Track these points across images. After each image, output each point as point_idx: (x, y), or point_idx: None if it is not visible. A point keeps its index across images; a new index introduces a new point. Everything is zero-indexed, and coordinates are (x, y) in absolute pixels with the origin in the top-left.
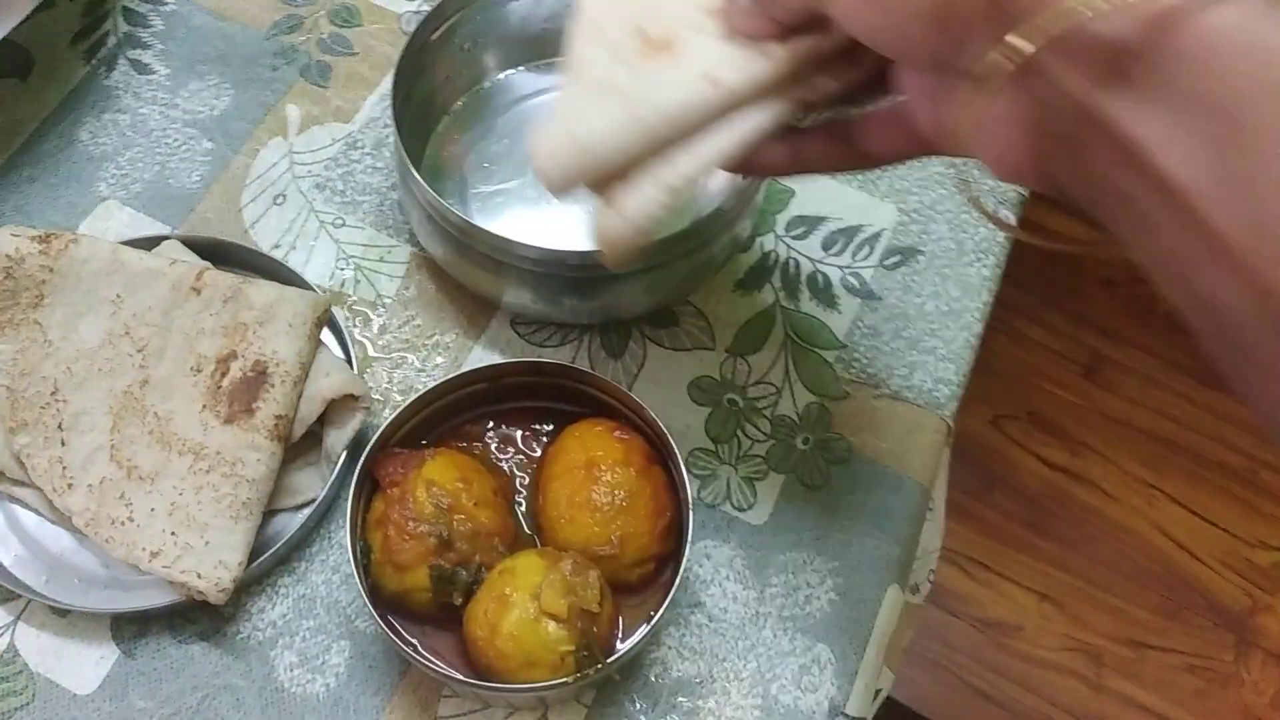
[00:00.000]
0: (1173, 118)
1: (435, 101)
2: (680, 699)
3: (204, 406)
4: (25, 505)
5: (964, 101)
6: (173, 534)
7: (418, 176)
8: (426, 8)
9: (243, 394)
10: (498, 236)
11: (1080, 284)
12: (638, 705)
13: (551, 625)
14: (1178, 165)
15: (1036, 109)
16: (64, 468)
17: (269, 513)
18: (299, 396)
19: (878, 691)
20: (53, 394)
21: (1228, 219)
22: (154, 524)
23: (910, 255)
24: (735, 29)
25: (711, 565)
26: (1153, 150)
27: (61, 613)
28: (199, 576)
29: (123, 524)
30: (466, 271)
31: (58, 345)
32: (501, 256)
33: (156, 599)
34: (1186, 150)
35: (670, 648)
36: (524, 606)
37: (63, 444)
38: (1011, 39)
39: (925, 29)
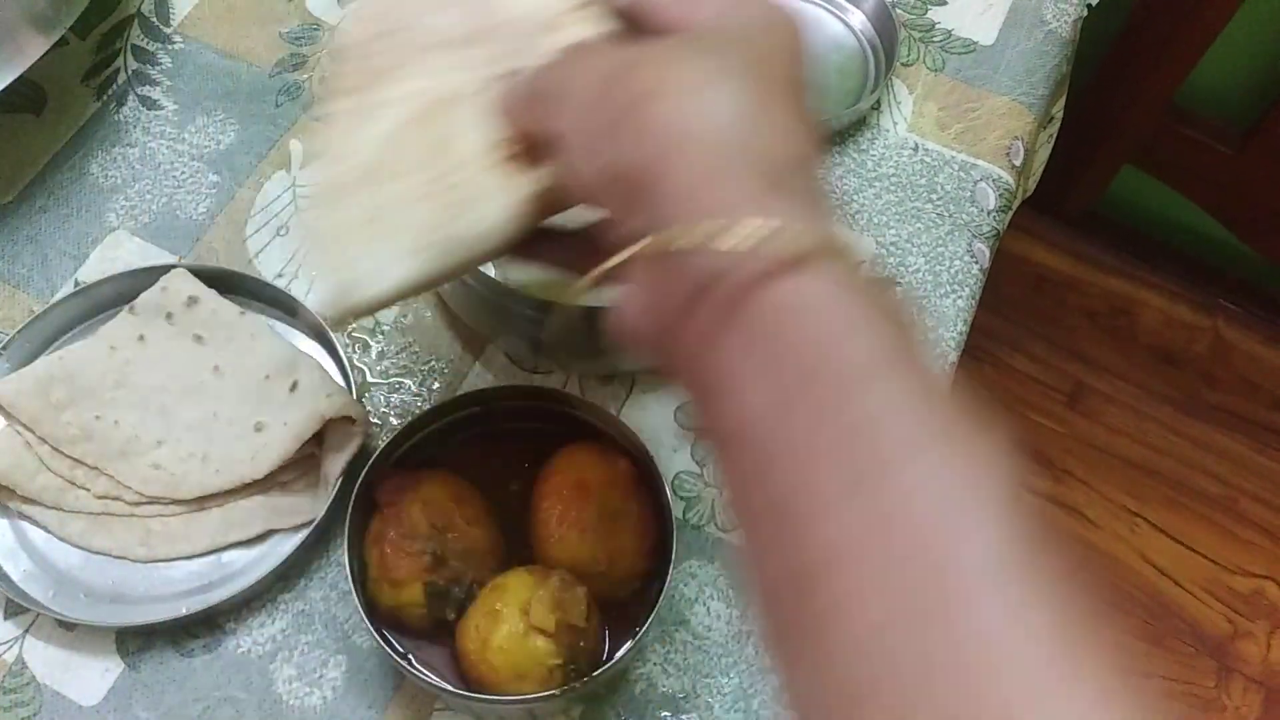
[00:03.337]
0: (752, 361)
1: None
2: (665, 713)
3: (498, 143)
4: (34, 523)
5: (624, 275)
6: (350, 229)
7: None
8: None
9: (542, 145)
10: (498, 283)
11: (1063, 314)
12: (623, 719)
13: (540, 640)
14: (746, 405)
15: (658, 314)
16: (341, 151)
17: (269, 532)
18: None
19: None
20: (393, 62)
21: (770, 450)
22: (351, 212)
23: (887, 287)
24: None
25: (696, 584)
26: (730, 386)
27: (68, 626)
28: (335, 273)
29: (339, 248)
30: (474, 315)
31: (416, 19)
32: (506, 302)
33: (160, 614)
34: (758, 392)
35: (656, 664)
36: (514, 621)
37: (365, 123)
38: (634, 243)
39: (602, 180)
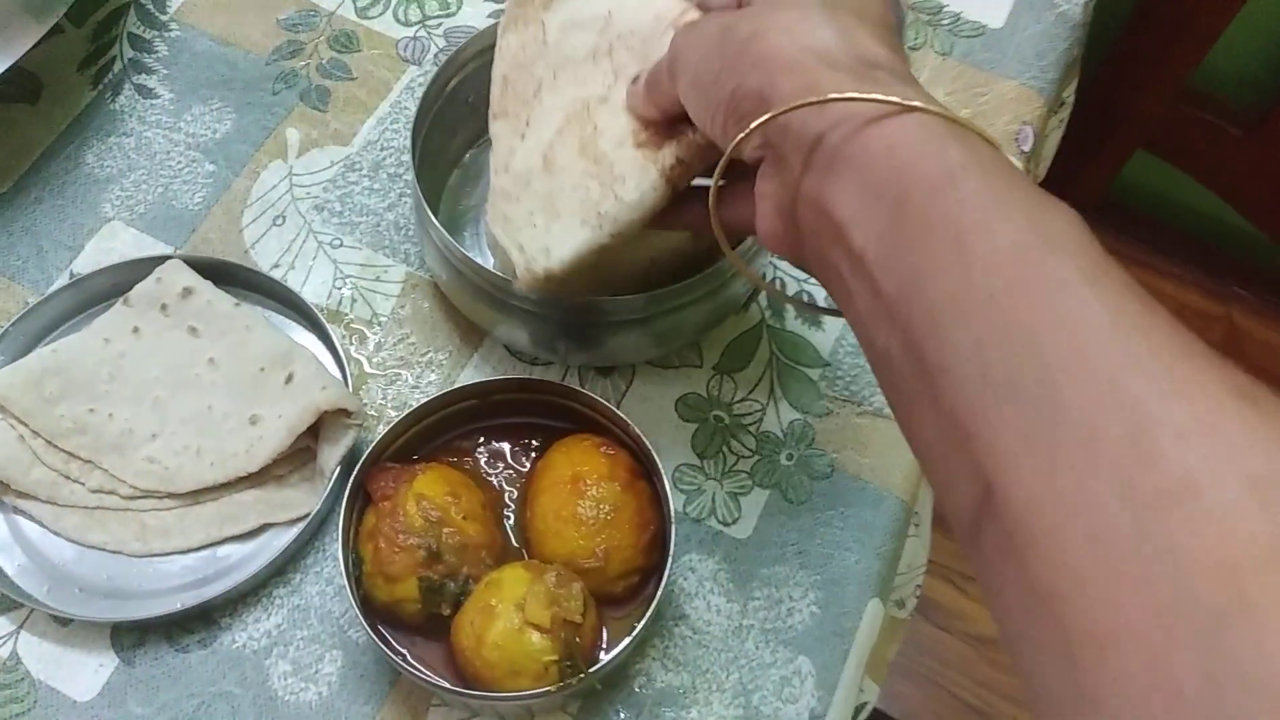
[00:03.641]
0: (861, 200)
1: (445, 155)
2: (664, 709)
3: (633, 131)
4: (29, 517)
5: (756, 190)
6: (532, 214)
7: (437, 224)
8: (424, 34)
9: (666, 126)
10: (497, 275)
11: None
12: (622, 715)
13: (535, 636)
14: (862, 237)
15: (785, 195)
16: (511, 153)
17: (264, 527)
18: (702, 158)
19: (862, 705)
20: (534, 93)
21: (888, 279)
22: (531, 201)
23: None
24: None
25: (696, 578)
26: (845, 224)
27: (63, 622)
28: (520, 250)
29: (516, 199)
30: (472, 307)
31: (551, 48)
32: (505, 297)
33: (155, 609)
34: (867, 225)
35: (655, 659)
36: (509, 617)
37: (522, 137)
38: (753, 124)
39: (722, 116)
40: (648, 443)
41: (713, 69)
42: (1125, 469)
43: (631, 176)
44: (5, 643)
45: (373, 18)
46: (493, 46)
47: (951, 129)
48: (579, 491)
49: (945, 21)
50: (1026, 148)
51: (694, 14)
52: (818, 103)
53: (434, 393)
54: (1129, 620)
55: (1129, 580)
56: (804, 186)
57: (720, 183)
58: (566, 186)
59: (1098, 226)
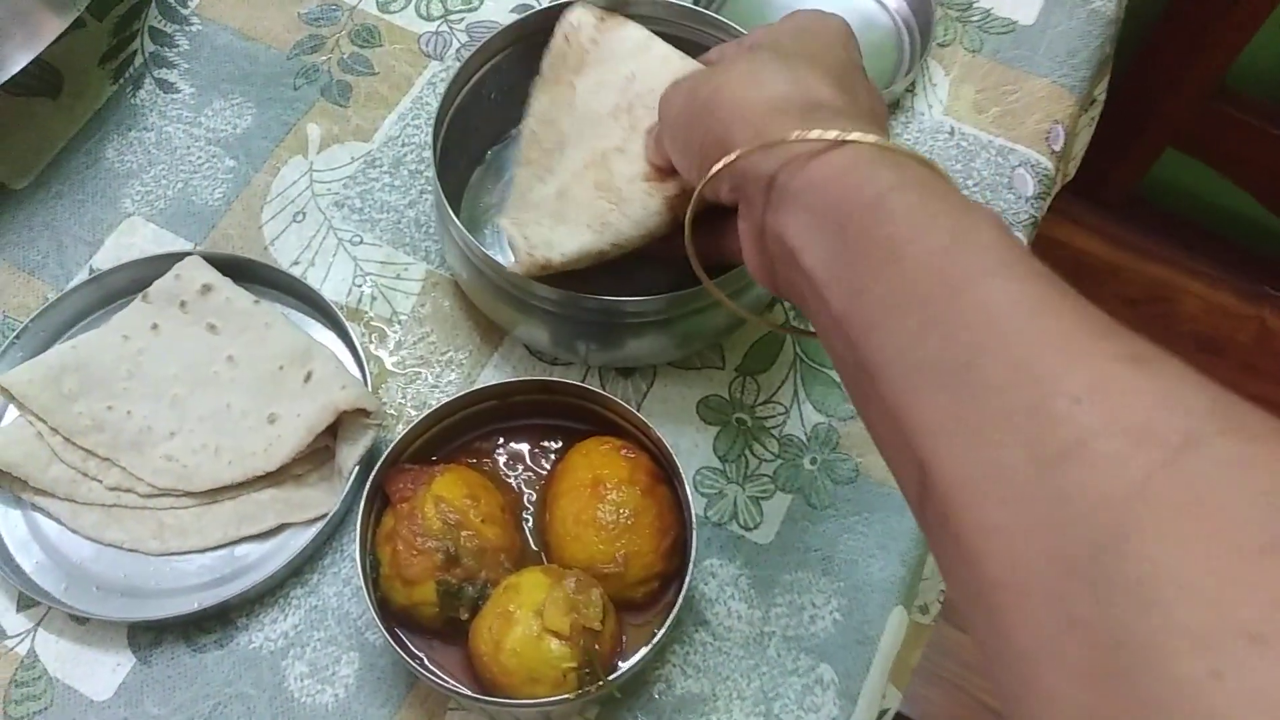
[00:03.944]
0: (809, 228)
1: (467, 151)
2: (684, 716)
3: (643, 172)
4: (47, 514)
5: (738, 227)
6: (540, 219)
7: (458, 222)
8: (445, 29)
9: (671, 170)
10: (518, 275)
11: (1102, 301)
12: None
13: (554, 642)
14: (812, 259)
15: (755, 230)
16: (529, 191)
17: (282, 526)
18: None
19: (884, 711)
20: (557, 144)
21: (836, 293)
22: (542, 211)
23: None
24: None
25: (717, 584)
26: (799, 250)
27: (80, 620)
28: (525, 239)
29: (524, 222)
30: (492, 306)
31: (577, 106)
32: (525, 297)
33: (173, 608)
34: (816, 249)
35: (675, 665)
36: (527, 623)
37: (542, 180)
38: (713, 169)
39: (695, 164)
40: (668, 446)
41: (685, 123)
42: (1030, 434)
43: (638, 200)
44: (23, 640)
45: (394, 12)
46: (516, 41)
47: (883, 155)
48: (599, 495)
49: (975, 18)
50: (1057, 146)
51: None
52: (765, 146)
53: (454, 392)
54: (1032, 566)
55: (1033, 530)
56: (767, 221)
57: (692, 216)
58: (577, 204)
59: (1128, 224)
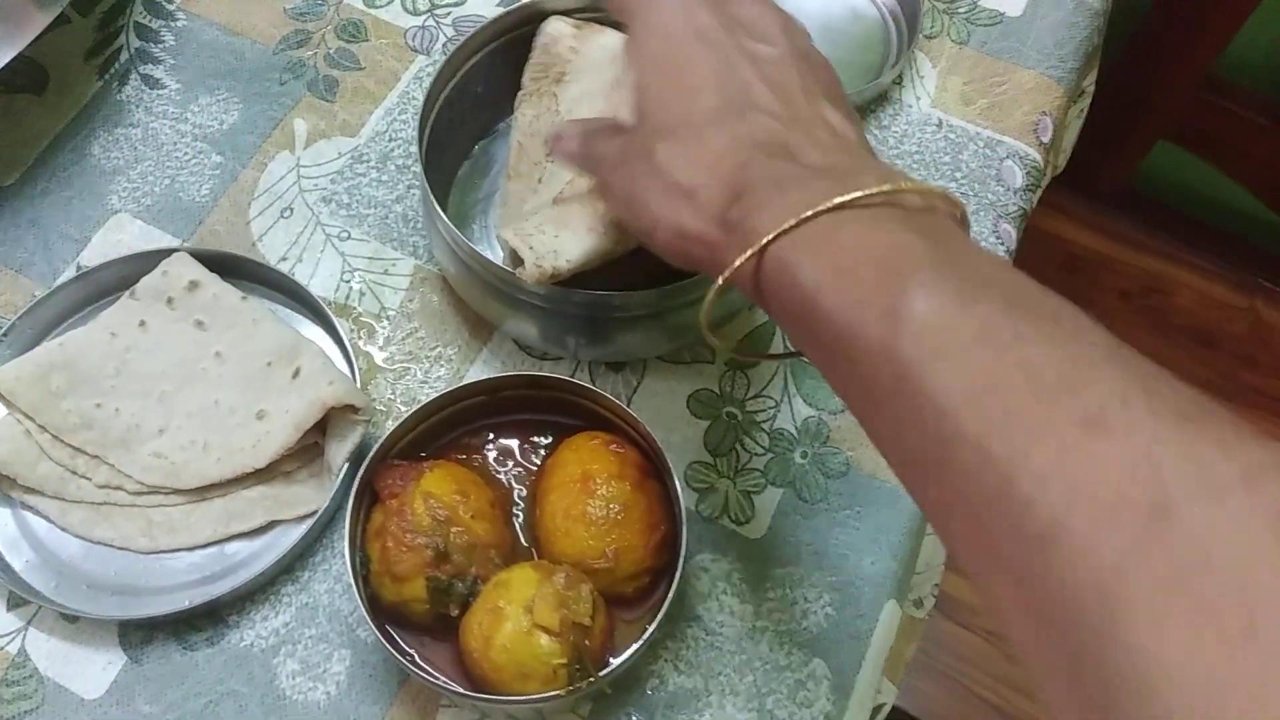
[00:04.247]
0: (812, 266)
1: (454, 146)
2: (676, 712)
3: None
4: (36, 512)
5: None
6: (541, 226)
7: (445, 218)
8: (432, 23)
9: None
10: (506, 270)
11: (1095, 294)
12: (634, 718)
13: (544, 638)
14: (814, 287)
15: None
16: (523, 203)
17: (272, 523)
18: None
19: (881, 705)
20: (546, 154)
21: (833, 307)
22: (541, 218)
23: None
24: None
25: (709, 579)
26: (808, 285)
27: (71, 619)
28: (531, 249)
29: (528, 233)
30: (481, 301)
31: (562, 115)
32: (514, 292)
33: (163, 606)
34: (815, 277)
35: (667, 661)
36: (517, 619)
37: (534, 192)
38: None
39: (679, 255)
40: (658, 441)
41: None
42: (1010, 518)
43: None
44: (13, 639)
45: (380, 7)
46: (502, 35)
47: (802, 234)
48: (589, 490)
49: (962, 9)
50: (1045, 138)
51: None
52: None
53: (443, 387)
54: (1043, 655)
55: (1039, 616)
56: (763, 284)
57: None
58: (576, 208)
59: (1120, 217)
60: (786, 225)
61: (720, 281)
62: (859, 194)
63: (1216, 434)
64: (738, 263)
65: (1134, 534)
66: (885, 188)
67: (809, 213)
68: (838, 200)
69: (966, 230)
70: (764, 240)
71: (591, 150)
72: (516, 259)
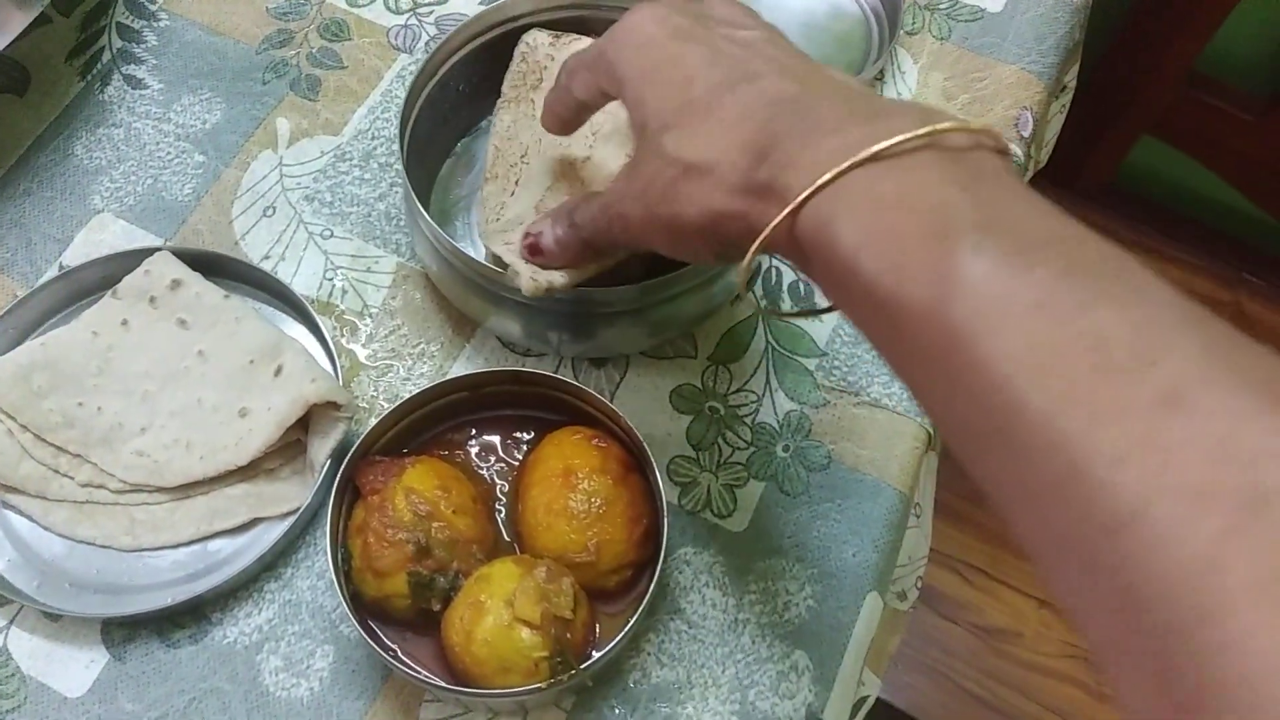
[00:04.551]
0: (851, 226)
1: (436, 144)
2: (659, 704)
3: (615, 171)
4: (18, 512)
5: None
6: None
7: (426, 216)
8: (415, 22)
9: None
10: (488, 267)
11: None
12: (617, 711)
13: (525, 631)
14: (854, 249)
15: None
16: (502, 207)
17: (255, 521)
18: None
19: (864, 698)
20: (521, 156)
21: (875, 270)
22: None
23: None
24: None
25: (691, 572)
26: (847, 247)
27: (53, 617)
28: (526, 262)
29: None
30: (463, 299)
31: (539, 120)
32: (496, 289)
33: (146, 604)
34: (856, 239)
35: (650, 654)
36: (498, 613)
37: (512, 194)
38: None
39: (717, 241)
40: (640, 435)
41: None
42: (1081, 503)
43: None
44: None
45: (363, 6)
46: (484, 33)
47: (841, 186)
48: (570, 485)
49: (943, 5)
50: (1026, 133)
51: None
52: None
53: (426, 384)
54: (1122, 642)
55: (1115, 601)
56: (805, 248)
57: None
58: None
59: (1104, 212)
60: (821, 181)
61: (755, 248)
62: (898, 139)
63: None
64: (769, 227)
65: (1226, 524)
66: (924, 130)
67: (846, 163)
68: (875, 149)
69: (1010, 166)
70: (797, 200)
71: (577, 219)
72: (501, 263)
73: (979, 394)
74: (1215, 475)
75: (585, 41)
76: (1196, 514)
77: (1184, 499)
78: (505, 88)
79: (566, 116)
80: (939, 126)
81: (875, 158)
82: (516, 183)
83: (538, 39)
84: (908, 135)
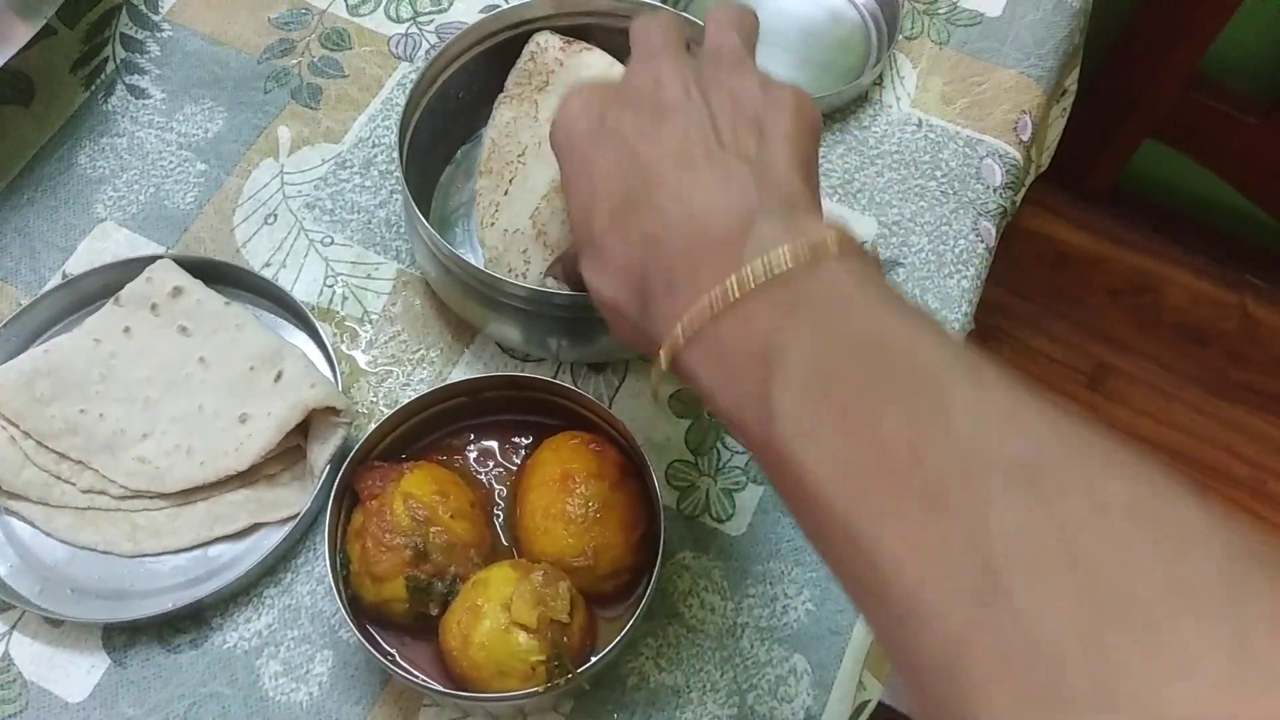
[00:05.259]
0: (704, 371)
1: (436, 151)
2: (657, 709)
3: None
4: (20, 518)
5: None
6: (526, 252)
7: (425, 223)
8: (415, 30)
9: None
10: (487, 273)
11: (1084, 293)
12: (615, 715)
13: (522, 636)
14: (710, 390)
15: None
16: (496, 208)
17: (255, 526)
18: None
19: (866, 702)
20: (519, 155)
21: (727, 409)
22: (535, 269)
23: (890, 267)
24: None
25: (690, 576)
26: (705, 388)
27: (54, 622)
28: (526, 263)
29: (519, 275)
30: (462, 305)
31: (540, 123)
32: (495, 295)
33: (147, 609)
34: (709, 382)
35: (648, 658)
36: (495, 617)
37: (505, 193)
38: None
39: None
40: (636, 439)
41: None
42: (874, 594)
43: None
44: None
45: (364, 15)
46: (483, 41)
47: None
48: (568, 489)
49: (942, 10)
50: (1025, 137)
51: None
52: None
53: (425, 390)
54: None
55: (909, 690)
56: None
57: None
58: (557, 227)
59: (1110, 216)
60: (677, 338)
61: (654, 384)
62: (741, 290)
63: (1057, 489)
64: (657, 371)
65: (969, 610)
66: (759, 264)
67: (695, 326)
68: (719, 305)
69: (849, 266)
70: (663, 359)
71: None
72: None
73: (804, 502)
74: (961, 563)
75: (595, 52)
76: (948, 601)
77: (940, 588)
78: (509, 84)
79: None
80: (771, 257)
81: (717, 310)
82: (510, 181)
83: (549, 41)
84: (755, 274)
